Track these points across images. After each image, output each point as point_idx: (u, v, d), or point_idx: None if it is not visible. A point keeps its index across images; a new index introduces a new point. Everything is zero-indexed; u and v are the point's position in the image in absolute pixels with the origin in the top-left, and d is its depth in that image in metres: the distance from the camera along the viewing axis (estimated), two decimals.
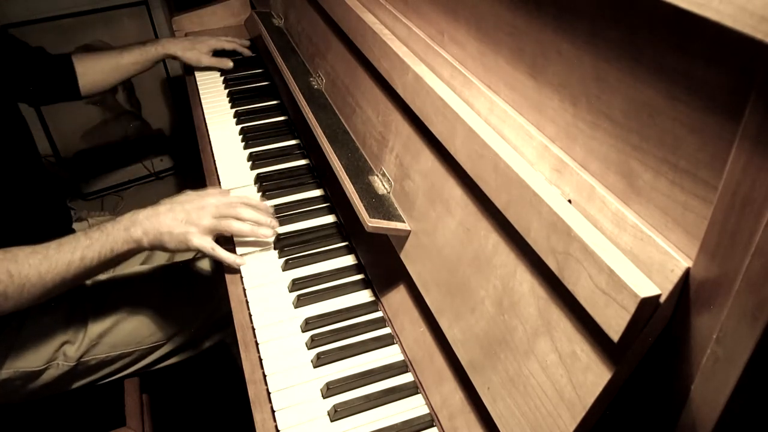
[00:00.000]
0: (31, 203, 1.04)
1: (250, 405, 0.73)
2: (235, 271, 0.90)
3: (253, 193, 1.04)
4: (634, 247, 0.46)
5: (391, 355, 0.78)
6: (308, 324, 0.80)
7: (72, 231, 1.09)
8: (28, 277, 0.79)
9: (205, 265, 1.18)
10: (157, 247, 0.86)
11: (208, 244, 0.87)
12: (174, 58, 1.36)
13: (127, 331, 1.06)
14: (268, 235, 0.92)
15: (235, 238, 0.93)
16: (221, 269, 0.92)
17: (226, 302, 0.88)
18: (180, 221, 0.86)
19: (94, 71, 1.26)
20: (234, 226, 0.89)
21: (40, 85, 1.21)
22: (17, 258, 0.79)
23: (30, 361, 0.98)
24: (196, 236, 0.86)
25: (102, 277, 1.12)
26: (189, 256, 1.28)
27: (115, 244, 0.84)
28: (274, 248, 0.93)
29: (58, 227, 1.11)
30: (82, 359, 1.03)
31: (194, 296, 1.13)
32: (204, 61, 1.37)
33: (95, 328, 1.03)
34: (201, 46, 1.37)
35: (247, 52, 1.43)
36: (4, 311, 0.79)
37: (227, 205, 0.90)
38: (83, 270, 0.83)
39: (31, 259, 0.80)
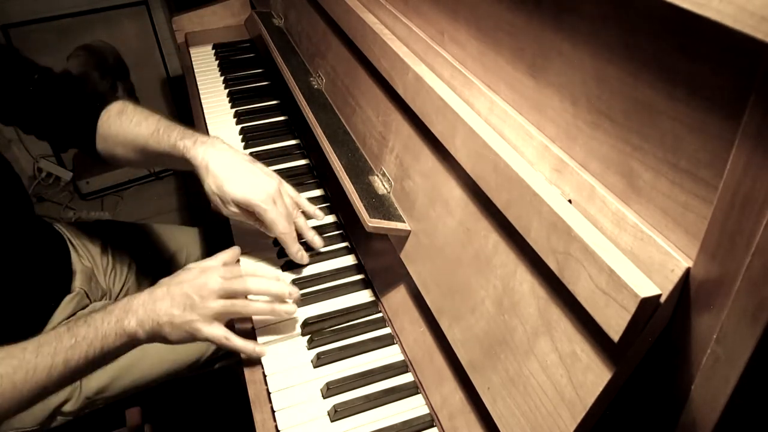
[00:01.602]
0: (30, 261, 0.95)
1: (250, 405, 0.73)
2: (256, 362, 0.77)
3: None
4: (634, 247, 0.46)
5: (391, 355, 0.78)
6: (308, 324, 0.80)
7: (68, 285, 1.03)
8: (0, 392, 0.66)
9: None
10: (156, 338, 0.73)
11: (220, 333, 0.73)
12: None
13: (125, 385, 1.01)
14: (292, 311, 0.78)
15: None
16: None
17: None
18: (181, 307, 0.71)
19: (115, 143, 0.94)
20: (251, 308, 0.76)
21: (56, 129, 0.97)
22: None
23: (26, 421, 0.93)
24: (203, 325, 0.72)
25: None
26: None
27: (106, 341, 0.70)
28: (274, 246, 0.93)
29: (55, 281, 1.02)
30: (81, 413, 1.00)
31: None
32: (225, 213, 0.84)
33: (91, 386, 0.98)
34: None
35: (318, 216, 0.93)
36: None
37: (235, 278, 0.75)
38: (69, 375, 0.70)
39: (3, 366, 0.66)
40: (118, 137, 0.93)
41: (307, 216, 0.91)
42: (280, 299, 0.78)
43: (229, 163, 0.82)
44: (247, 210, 0.82)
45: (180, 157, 0.84)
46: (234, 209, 0.81)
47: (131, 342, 0.72)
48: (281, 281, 0.79)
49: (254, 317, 0.81)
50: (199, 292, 0.72)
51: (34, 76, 0.93)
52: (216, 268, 0.76)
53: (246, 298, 0.77)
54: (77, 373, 0.71)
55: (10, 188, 0.96)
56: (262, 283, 0.76)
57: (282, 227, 0.82)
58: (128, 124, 0.92)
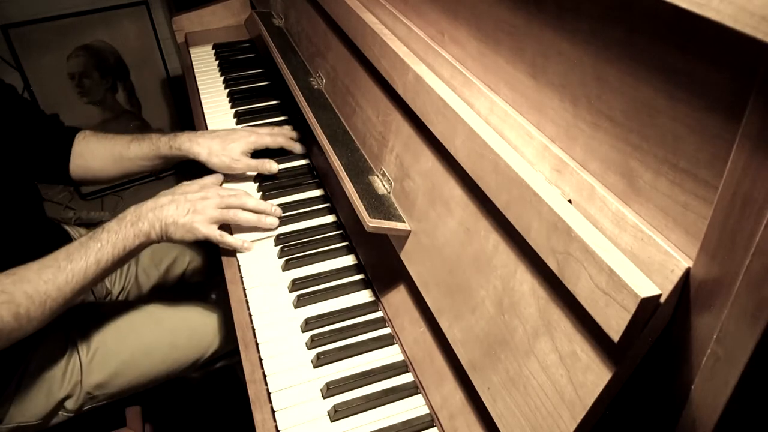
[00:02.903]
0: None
1: (250, 405, 0.73)
2: (234, 255, 0.92)
3: (254, 192, 1.04)
4: (634, 247, 0.46)
5: (391, 355, 0.78)
6: (308, 324, 0.80)
7: None
8: (47, 294, 0.78)
9: (204, 294, 1.14)
10: (163, 238, 0.87)
11: (216, 232, 0.88)
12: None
13: (126, 382, 1.03)
14: (274, 224, 0.94)
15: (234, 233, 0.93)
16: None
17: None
18: (185, 211, 0.87)
19: (92, 156, 1.06)
20: (241, 216, 0.91)
21: (29, 157, 1.02)
22: (28, 278, 0.77)
23: (29, 416, 0.95)
24: (202, 225, 0.87)
25: (93, 309, 1.06)
26: (179, 270, 1.26)
27: (126, 241, 0.84)
28: (274, 246, 0.93)
29: None
30: (83, 408, 1.01)
31: (197, 339, 1.09)
32: (237, 168, 1.02)
33: (92, 382, 1.00)
34: (235, 146, 1.02)
35: (297, 148, 1.11)
36: (27, 333, 0.78)
37: (231, 196, 0.91)
38: (100, 273, 0.83)
39: (44, 275, 0.78)
40: (96, 151, 1.06)
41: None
42: (266, 214, 0.94)
43: (211, 134, 1.03)
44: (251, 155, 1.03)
45: (166, 153, 1.03)
46: (244, 158, 1.01)
47: (146, 241, 0.86)
48: (267, 203, 0.96)
49: (241, 253, 0.93)
50: (202, 202, 0.88)
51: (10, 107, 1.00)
52: (213, 185, 0.94)
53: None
54: (107, 271, 0.85)
55: (23, 188, 0.97)
56: (253, 201, 0.93)
57: (282, 140, 1.07)
58: (104, 139, 1.07)
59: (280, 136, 1.08)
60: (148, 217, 0.85)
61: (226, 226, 0.94)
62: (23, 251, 0.91)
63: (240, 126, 1.20)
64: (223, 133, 1.04)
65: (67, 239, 1.10)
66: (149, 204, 0.87)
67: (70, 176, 1.07)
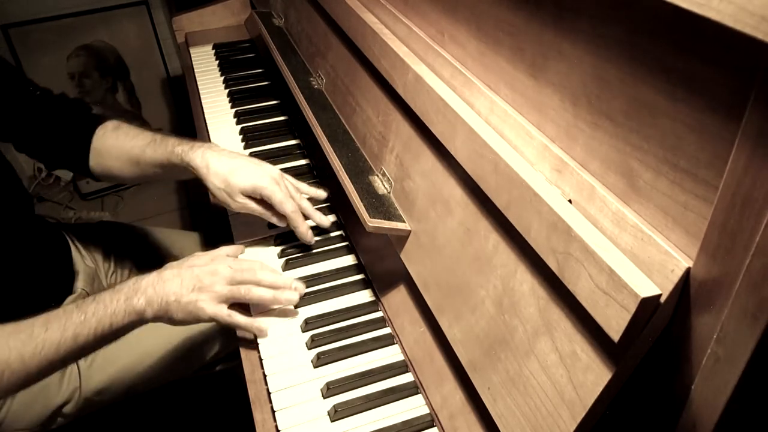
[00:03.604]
0: (30, 261, 0.95)
1: (251, 405, 0.73)
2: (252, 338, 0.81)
3: None
4: (634, 247, 0.46)
5: (391, 355, 0.78)
6: (308, 324, 0.80)
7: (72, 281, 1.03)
8: (8, 363, 0.67)
9: None
10: (162, 318, 0.76)
11: (224, 312, 0.77)
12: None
13: (126, 387, 1.01)
14: (294, 300, 0.81)
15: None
16: None
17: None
18: (189, 288, 0.75)
19: (110, 155, 0.96)
20: (255, 293, 0.78)
21: (48, 147, 0.99)
22: None
23: (27, 421, 0.94)
24: (208, 304, 0.75)
25: None
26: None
27: (115, 318, 0.72)
28: (274, 246, 0.93)
29: (58, 282, 1.03)
30: (81, 415, 1.00)
31: (196, 341, 1.06)
32: (234, 208, 0.87)
33: (92, 387, 0.98)
34: (239, 183, 0.85)
35: (327, 223, 0.94)
36: None
37: (243, 270, 0.79)
38: (76, 350, 0.72)
39: (12, 340, 0.68)
40: (113, 150, 0.96)
41: (312, 201, 0.94)
42: (284, 289, 0.81)
43: (228, 159, 0.86)
44: (255, 198, 0.86)
45: (178, 164, 0.88)
46: (242, 200, 0.85)
47: (139, 320, 0.75)
48: (285, 276, 0.84)
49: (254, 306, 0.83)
50: (210, 277, 0.76)
51: (36, 93, 0.97)
52: (225, 257, 0.81)
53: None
54: (85, 349, 0.73)
55: (10, 189, 0.97)
56: (269, 275, 0.80)
57: (290, 206, 0.86)
58: (124, 138, 0.95)
59: (300, 206, 0.89)
60: (147, 293, 0.74)
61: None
62: (11, 250, 0.90)
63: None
64: (240, 164, 0.86)
65: (60, 237, 1.10)
66: (151, 277, 0.76)
67: (92, 172, 0.98)
